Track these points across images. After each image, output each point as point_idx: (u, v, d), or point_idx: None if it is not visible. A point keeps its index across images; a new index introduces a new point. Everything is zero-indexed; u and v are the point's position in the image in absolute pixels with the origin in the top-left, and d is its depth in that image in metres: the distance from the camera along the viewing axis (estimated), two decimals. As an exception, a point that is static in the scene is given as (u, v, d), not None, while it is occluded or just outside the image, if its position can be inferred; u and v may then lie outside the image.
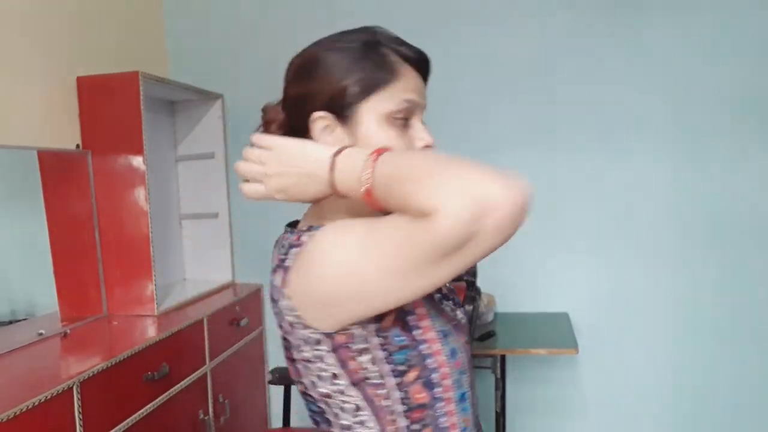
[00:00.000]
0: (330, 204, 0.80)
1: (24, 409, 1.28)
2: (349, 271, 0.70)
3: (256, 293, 2.60)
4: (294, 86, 0.83)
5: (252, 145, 0.80)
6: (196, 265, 2.69)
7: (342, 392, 0.78)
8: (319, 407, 0.82)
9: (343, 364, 0.76)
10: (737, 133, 2.33)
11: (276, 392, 2.67)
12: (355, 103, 0.78)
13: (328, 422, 0.81)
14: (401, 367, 0.76)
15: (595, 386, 2.54)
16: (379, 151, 0.68)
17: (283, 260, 0.79)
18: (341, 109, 0.78)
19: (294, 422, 2.22)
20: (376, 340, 0.76)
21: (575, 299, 2.49)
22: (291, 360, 0.83)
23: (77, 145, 2.05)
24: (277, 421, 2.73)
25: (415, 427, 0.78)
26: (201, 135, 2.63)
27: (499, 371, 2.21)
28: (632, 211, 2.42)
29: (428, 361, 0.77)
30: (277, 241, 0.87)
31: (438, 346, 0.78)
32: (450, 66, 2.35)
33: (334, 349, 0.76)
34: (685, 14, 2.33)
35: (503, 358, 2.22)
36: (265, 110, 0.90)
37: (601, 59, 2.39)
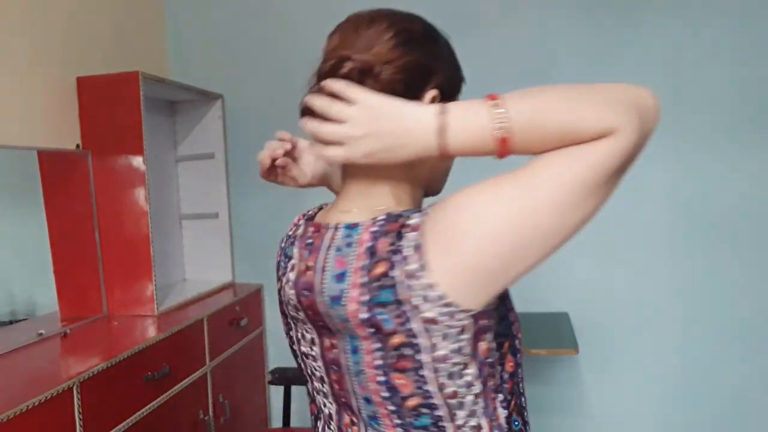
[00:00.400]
0: (405, 177, 0.78)
1: (24, 409, 1.28)
2: (514, 225, 0.64)
3: (256, 293, 2.60)
4: (414, 53, 0.75)
5: (323, 93, 0.72)
6: (196, 265, 2.69)
7: (468, 384, 0.72)
8: (436, 417, 0.73)
9: (475, 350, 0.71)
10: (737, 132, 2.33)
11: (276, 392, 2.67)
12: (457, 94, 0.80)
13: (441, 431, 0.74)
14: (500, 339, 0.75)
15: (595, 386, 2.54)
16: (493, 97, 0.65)
17: (395, 252, 0.68)
18: (449, 96, 0.77)
19: (294, 422, 2.22)
20: (496, 314, 0.73)
21: (575, 299, 2.49)
22: (408, 370, 0.71)
23: (77, 145, 2.05)
24: (277, 421, 2.73)
25: (509, 397, 0.77)
26: (201, 135, 2.63)
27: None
28: (632, 210, 2.42)
29: (512, 327, 0.78)
30: (314, 245, 0.77)
31: (514, 314, 0.79)
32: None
33: (475, 334, 0.70)
34: (685, 14, 2.33)
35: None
36: (350, 56, 0.74)
37: (601, 59, 2.39)
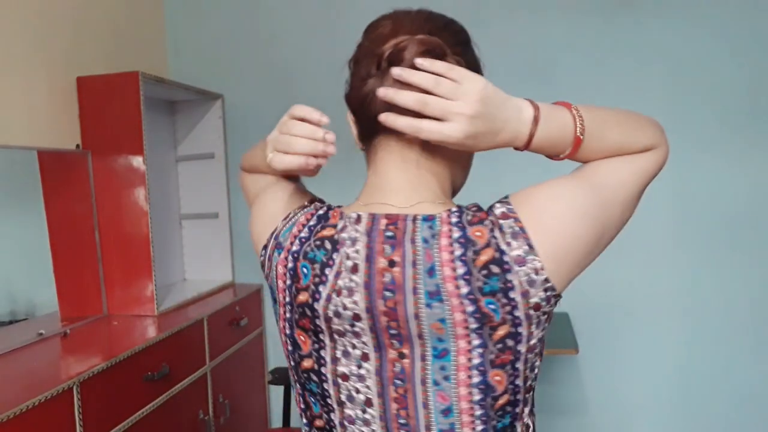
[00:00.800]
0: (449, 173, 0.78)
1: (24, 409, 1.28)
2: (598, 215, 0.71)
3: (256, 293, 2.60)
4: (469, 54, 0.77)
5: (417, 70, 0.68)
6: (196, 265, 2.69)
7: (535, 377, 0.74)
8: (514, 414, 0.72)
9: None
10: (737, 132, 2.33)
11: (276, 392, 2.67)
12: None
13: (513, 429, 0.74)
14: None
15: (595, 386, 2.54)
16: (567, 104, 0.73)
17: (495, 238, 0.68)
18: None
19: (294, 422, 2.22)
20: None
21: (575, 299, 2.49)
22: (506, 364, 0.70)
23: (77, 145, 2.05)
24: (277, 421, 2.73)
25: (534, 395, 0.79)
26: (201, 135, 2.63)
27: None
28: (632, 211, 2.42)
29: None
30: (396, 239, 0.70)
31: None
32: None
33: (549, 321, 0.73)
34: (685, 14, 2.33)
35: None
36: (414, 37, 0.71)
37: (601, 59, 2.39)
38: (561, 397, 2.56)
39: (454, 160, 0.78)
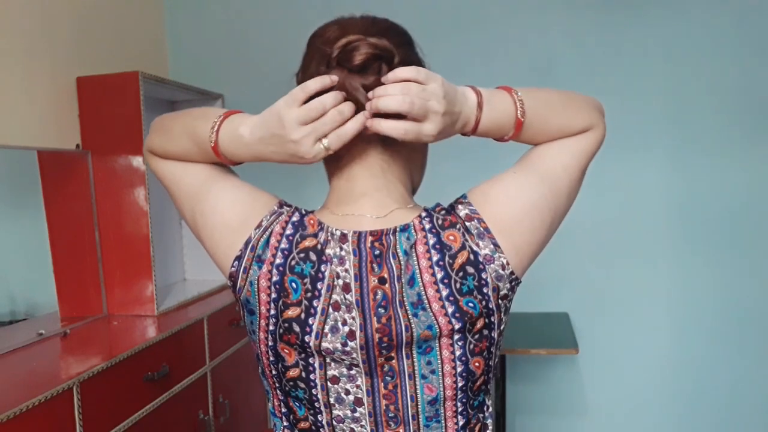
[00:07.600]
0: (409, 174, 0.80)
1: (24, 409, 1.28)
2: (549, 206, 0.76)
3: (256, 293, 2.59)
4: (415, 56, 0.78)
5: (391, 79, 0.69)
6: (196, 265, 2.69)
7: (498, 356, 0.81)
8: (485, 390, 0.80)
9: None
10: (736, 132, 2.33)
11: (276, 392, 2.66)
12: None
13: (483, 411, 0.81)
14: None
15: (595, 386, 2.54)
16: (508, 89, 0.75)
17: (467, 240, 0.73)
18: None
19: (294, 422, 2.22)
20: None
21: (575, 299, 2.49)
22: (484, 351, 0.76)
23: (77, 145, 2.05)
24: (277, 421, 2.72)
25: None
26: (201, 135, 2.62)
27: (499, 371, 2.21)
28: (632, 210, 2.42)
29: None
30: (382, 255, 0.73)
31: None
32: (449, 65, 2.35)
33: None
34: (686, 13, 2.33)
35: (503, 358, 2.22)
36: (365, 39, 0.72)
37: (602, 57, 2.39)
38: (561, 397, 2.56)
39: (411, 161, 0.81)
